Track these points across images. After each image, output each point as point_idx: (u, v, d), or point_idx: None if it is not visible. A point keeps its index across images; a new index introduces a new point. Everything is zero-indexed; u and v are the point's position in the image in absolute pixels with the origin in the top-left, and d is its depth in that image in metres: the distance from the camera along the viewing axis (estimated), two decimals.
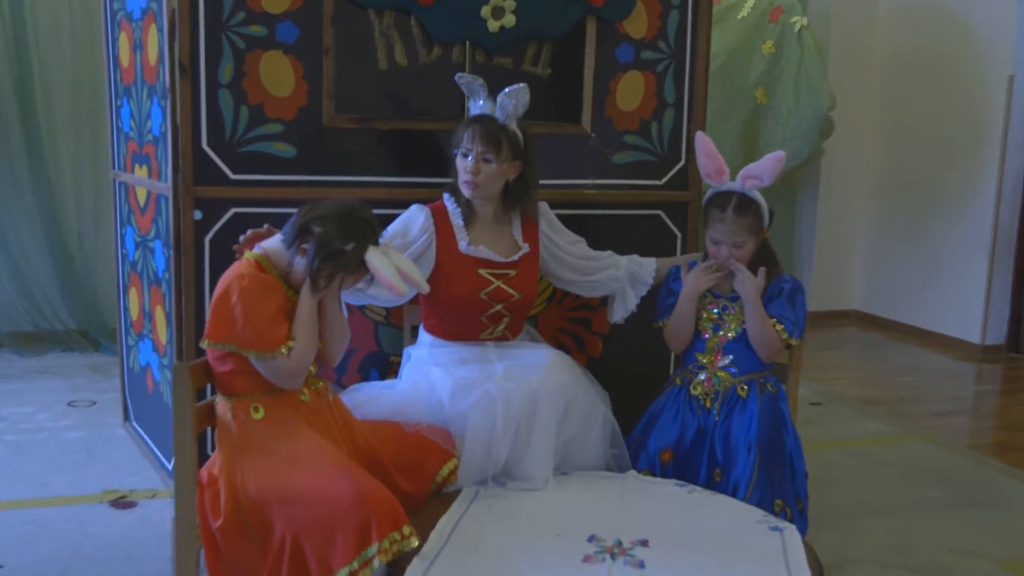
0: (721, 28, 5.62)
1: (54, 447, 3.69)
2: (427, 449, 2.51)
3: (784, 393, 2.81)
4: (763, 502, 2.56)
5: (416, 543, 2.12)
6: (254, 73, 2.86)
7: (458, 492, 2.49)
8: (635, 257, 3.00)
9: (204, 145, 2.85)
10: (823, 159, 6.37)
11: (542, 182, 2.94)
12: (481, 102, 2.75)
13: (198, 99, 2.82)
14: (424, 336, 2.84)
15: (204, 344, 2.29)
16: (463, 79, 2.78)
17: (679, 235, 3.45)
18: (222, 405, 2.33)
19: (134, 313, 3.63)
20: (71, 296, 5.19)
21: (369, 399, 2.64)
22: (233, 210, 2.89)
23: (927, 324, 6.23)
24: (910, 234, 6.37)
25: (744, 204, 2.72)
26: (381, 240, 2.40)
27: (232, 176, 2.89)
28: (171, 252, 2.95)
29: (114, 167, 3.76)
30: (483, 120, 2.71)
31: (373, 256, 2.32)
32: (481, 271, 2.75)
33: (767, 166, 2.72)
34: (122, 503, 3.18)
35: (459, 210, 2.77)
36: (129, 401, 3.83)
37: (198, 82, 2.81)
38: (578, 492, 2.52)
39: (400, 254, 2.43)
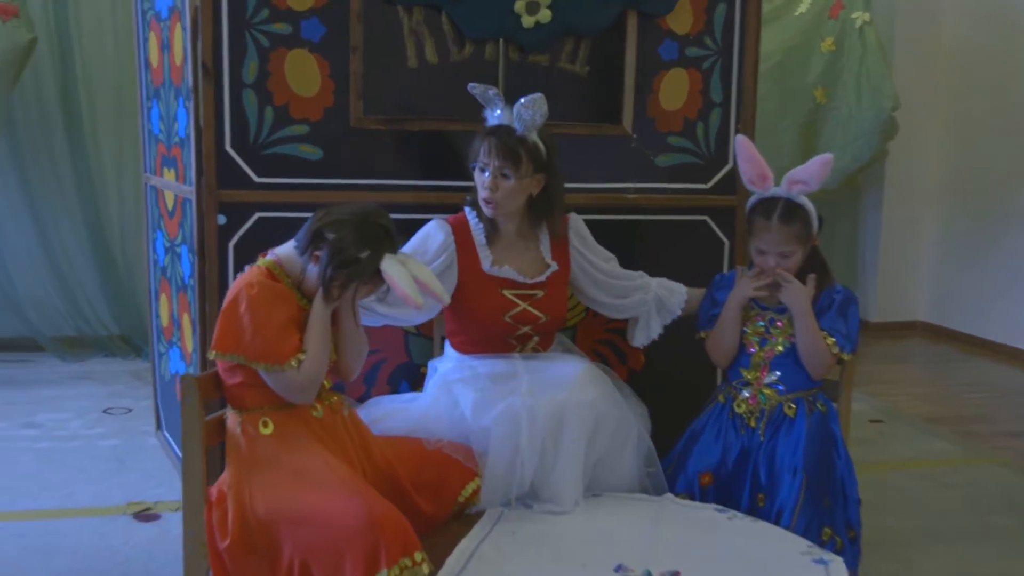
0: (778, 25, 5.48)
1: (85, 455, 3.65)
2: (448, 467, 2.39)
3: (835, 412, 2.63)
4: (809, 530, 2.40)
5: (428, 570, 2.02)
6: (279, 72, 2.78)
7: (481, 514, 2.36)
8: (664, 281, 2.84)
9: (228, 147, 2.78)
10: (887, 162, 6.16)
11: (581, 186, 2.80)
12: (498, 112, 2.58)
13: (221, 100, 2.75)
14: (450, 351, 2.71)
15: (212, 355, 2.20)
16: (476, 89, 2.60)
17: (727, 242, 3.28)
18: (232, 419, 2.25)
19: (164, 320, 3.57)
20: (113, 299, 5.18)
21: (387, 414, 2.52)
22: (258, 214, 2.82)
23: (998, 336, 5.95)
24: (980, 240, 6.10)
25: (790, 211, 2.55)
26: None
27: (256, 179, 2.81)
28: (195, 258, 2.87)
29: (145, 170, 3.71)
30: (499, 132, 2.53)
31: (389, 265, 2.20)
32: (506, 292, 2.60)
33: (814, 170, 2.54)
34: (145, 515, 3.11)
35: (481, 226, 2.62)
36: (161, 410, 3.78)
37: (221, 82, 2.74)
38: (609, 516, 2.38)
39: (419, 263, 2.30)
